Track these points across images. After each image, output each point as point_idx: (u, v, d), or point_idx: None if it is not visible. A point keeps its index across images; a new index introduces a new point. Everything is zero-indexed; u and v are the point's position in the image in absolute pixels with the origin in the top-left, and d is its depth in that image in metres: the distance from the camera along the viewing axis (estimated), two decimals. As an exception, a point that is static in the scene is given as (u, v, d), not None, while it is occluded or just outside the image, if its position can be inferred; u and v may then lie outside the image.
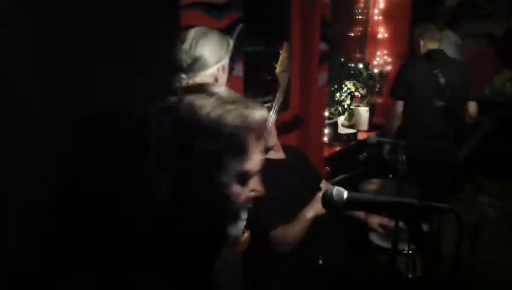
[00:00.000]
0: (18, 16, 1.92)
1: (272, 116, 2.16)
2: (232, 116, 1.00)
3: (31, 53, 1.96)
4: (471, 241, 2.21)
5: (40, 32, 1.98)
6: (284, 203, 2.42)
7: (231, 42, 2.07)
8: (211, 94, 1.04)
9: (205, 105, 1.00)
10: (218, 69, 1.98)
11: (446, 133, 3.73)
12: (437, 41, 3.83)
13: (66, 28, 2.08)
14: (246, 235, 2.20)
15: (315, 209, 2.29)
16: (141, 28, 2.37)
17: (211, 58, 1.95)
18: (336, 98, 4.80)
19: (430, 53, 3.79)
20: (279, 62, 2.14)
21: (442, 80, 3.66)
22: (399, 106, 3.81)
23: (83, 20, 2.13)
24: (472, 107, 3.77)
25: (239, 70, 3.06)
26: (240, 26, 3.00)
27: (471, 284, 2.23)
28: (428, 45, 3.83)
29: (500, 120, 4.48)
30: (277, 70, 2.13)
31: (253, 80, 3.39)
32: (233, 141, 1.00)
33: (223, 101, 1.03)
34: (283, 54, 2.14)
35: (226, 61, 2.04)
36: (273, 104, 2.15)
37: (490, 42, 5.07)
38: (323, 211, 2.05)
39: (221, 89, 1.08)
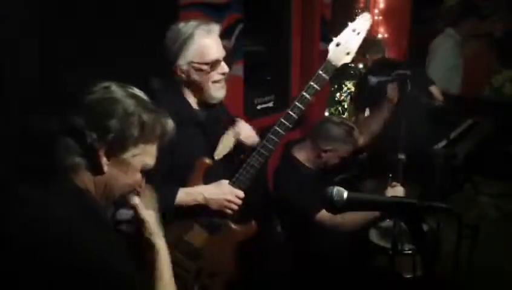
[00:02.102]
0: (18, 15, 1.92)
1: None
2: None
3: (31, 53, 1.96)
4: (471, 241, 2.21)
5: (40, 31, 1.99)
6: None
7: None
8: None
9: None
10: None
11: (428, 129, 3.76)
12: (381, 52, 4.12)
13: (66, 28, 2.09)
14: (251, 225, 2.07)
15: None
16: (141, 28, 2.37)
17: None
18: (336, 98, 4.80)
19: (378, 62, 3.98)
20: None
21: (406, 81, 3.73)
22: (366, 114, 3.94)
23: (83, 21, 2.14)
24: (434, 90, 3.83)
25: (239, 70, 3.06)
26: (240, 26, 3.00)
27: (470, 284, 2.23)
28: (373, 56, 4.07)
29: (500, 120, 4.48)
30: None
31: (253, 80, 3.39)
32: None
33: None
34: None
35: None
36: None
37: (490, 42, 5.06)
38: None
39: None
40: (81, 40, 2.11)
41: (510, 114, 4.55)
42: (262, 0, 3.56)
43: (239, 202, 1.96)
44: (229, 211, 1.97)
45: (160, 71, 2.13)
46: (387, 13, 5.36)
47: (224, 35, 2.85)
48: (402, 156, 2.79)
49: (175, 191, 1.88)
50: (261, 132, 2.15)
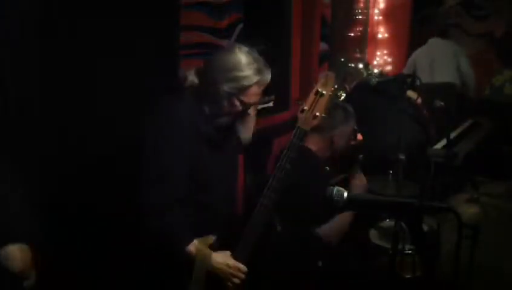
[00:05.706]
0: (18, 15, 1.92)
1: None
2: None
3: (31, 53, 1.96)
4: (471, 241, 2.21)
5: (40, 32, 1.99)
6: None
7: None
8: None
9: None
10: None
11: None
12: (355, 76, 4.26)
13: (66, 28, 2.09)
14: None
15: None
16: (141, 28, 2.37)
17: None
18: (336, 98, 4.82)
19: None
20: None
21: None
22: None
23: (83, 21, 2.14)
24: (410, 93, 3.87)
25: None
26: (240, 26, 3.00)
27: (470, 284, 2.23)
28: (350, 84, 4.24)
29: (500, 120, 4.48)
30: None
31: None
32: None
33: None
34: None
35: None
36: None
37: (490, 42, 5.07)
38: None
39: None
40: (80, 39, 2.11)
41: (510, 114, 4.55)
42: (262, 0, 3.56)
43: (243, 276, 1.97)
44: (230, 285, 1.96)
45: (159, 70, 2.12)
46: (387, 13, 5.36)
47: (224, 35, 2.86)
48: (402, 156, 2.80)
49: (188, 240, 1.89)
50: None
